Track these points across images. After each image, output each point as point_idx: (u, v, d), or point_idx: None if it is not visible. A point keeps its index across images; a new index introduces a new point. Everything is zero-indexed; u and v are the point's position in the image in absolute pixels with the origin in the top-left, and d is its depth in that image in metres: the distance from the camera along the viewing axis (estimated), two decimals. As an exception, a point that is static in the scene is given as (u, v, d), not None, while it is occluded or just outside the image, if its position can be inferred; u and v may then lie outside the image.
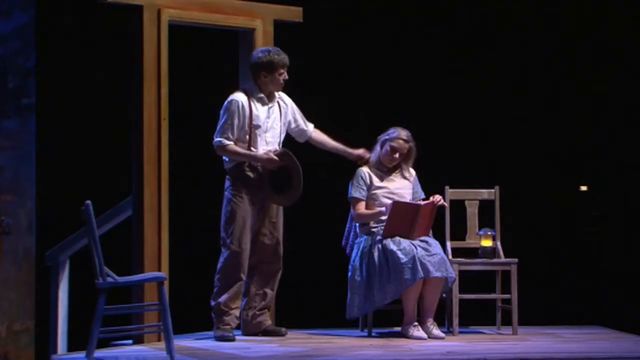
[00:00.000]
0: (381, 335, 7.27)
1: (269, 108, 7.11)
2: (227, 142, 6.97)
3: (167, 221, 7.04)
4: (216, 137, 7.00)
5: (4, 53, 6.10)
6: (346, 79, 8.73)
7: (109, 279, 5.99)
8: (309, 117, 7.36)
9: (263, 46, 7.42)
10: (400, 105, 8.58)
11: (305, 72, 8.58)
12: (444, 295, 7.32)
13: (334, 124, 8.65)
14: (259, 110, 7.06)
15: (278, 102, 7.18)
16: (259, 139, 7.04)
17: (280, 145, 7.17)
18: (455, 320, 7.29)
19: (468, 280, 7.42)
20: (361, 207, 7.34)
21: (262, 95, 7.09)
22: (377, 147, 7.40)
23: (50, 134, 7.57)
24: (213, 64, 8.30)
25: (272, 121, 7.12)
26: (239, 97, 7.03)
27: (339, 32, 8.80)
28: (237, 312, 7.05)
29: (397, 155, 7.33)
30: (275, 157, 6.98)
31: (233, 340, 6.92)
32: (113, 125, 8.13)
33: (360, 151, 7.38)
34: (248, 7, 7.48)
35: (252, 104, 7.03)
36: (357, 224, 7.39)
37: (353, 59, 8.79)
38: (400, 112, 8.10)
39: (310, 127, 7.32)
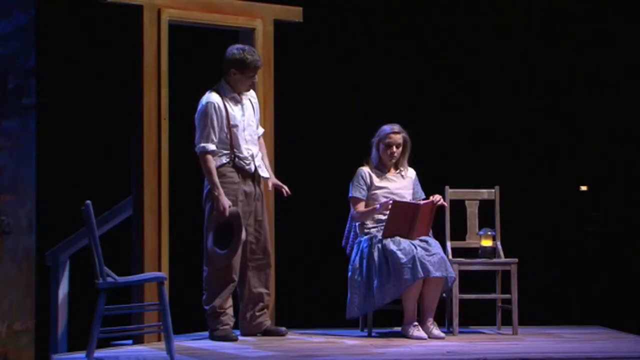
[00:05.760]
0: (381, 335, 7.27)
1: (242, 105, 7.07)
2: (211, 146, 6.90)
3: (167, 221, 7.04)
4: (199, 143, 6.91)
5: (4, 53, 6.10)
6: (345, 79, 8.73)
7: (109, 279, 5.99)
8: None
9: (263, 46, 7.42)
10: (399, 105, 8.58)
11: (304, 71, 8.60)
12: (444, 295, 7.32)
13: (332, 124, 8.67)
14: (234, 110, 7.01)
15: (249, 99, 7.14)
16: (239, 137, 7.00)
17: (259, 142, 7.13)
18: (455, 320, 7.29)
19: (468, 280, 7.42)
20: (361, 207, 7.34)
21: (234, 94, 7.04)
22: (373, 150, 7.41)
23: (50, 134, 7.57)
24: (213, 64, 8.30)
25: (247, 118, 7.07)
26: (213, 98, 6.96)
27: (338, 32, 8.79)
28: (231, 311, 7.04)
29: (394, 148, 7.34)
30: (227, 212, 6.80)
31: (236, 339, 6.92)
32: (113, 125, 8.13)
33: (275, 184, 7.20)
34: (248, 7, 7.48)
35: (226, 103, 6.98)
36: (357, 224, 7.39)
37: (352, 59, 8.79)
38: (400, 112, 8.10)
39: (260, 131, 7.24)
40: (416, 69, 8.82)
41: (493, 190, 7.67)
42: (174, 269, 7.08)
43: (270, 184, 7.19)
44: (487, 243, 7.43)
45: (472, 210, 7.66)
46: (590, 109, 8.93)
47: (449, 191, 7.61)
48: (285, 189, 7.15)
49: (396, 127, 7.36)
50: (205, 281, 7.00)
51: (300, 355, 6.28)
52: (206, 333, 7.08)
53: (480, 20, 8.89)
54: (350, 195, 7.38)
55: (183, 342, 6.85)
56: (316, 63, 8.66)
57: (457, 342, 6.92)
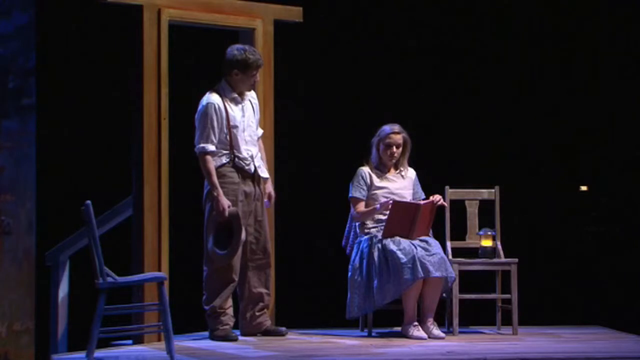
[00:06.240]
0: (381, 335, 7.27)
1: (242, 106, 7.06)
2: (210, 147, 6.88)
3: (167, 221, 7.03)
4: (199, 144, 6.90)
5: (4, 53, 6.11)
6: (344, 79, 8.73)
7: (109, 279, 5.99)
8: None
9: (263, 46, 7.42)
10: (399, 105, 8.58)
11: (304, 71, 8.60)
12: (444, 295, 7.32)
13: (332, 124, 8.68)
14: (234, 111, 6.99)
15: (249, 100, 7.13)
16: (238, 138, 6.99)
17: (258, 143, 7.13)
18: (455, 320, 7.29)
19: (468, 280, 7.42)
20: (361, 207, 7.34)
21: (234, 94, 7.03)
22: (373, 150, 7.40)
23: (50, 134, 7.57)
24: (213, 64, 8.30)
25: (247, 119, 7.05)
26: (214, 99, 6.95)
27: (338, 32, 8.80)
28: (231, 312, 7.04)
29: (394, 149, 7.34)
30: (227, 212, 6.80)
31: (236, 339, 6.92)
32: (113, 125, 8.13)
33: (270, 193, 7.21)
34: (248, 7, 7.48)
35: (226, 104, 6.97)
36: (357, 224, 7.39)
37: (351, 59, 8.79)
38: (400, 112, 8.09)
39: (259, 132, 7.22)
40: (416, 69, 8.82)
41: (493, 190, 7.67)
42: (174, 269, 7.08)
43: (267, 190, 7.16)
44: (487, 243, 7.43)
45: (472, 210, 7.66)
46: (590, 109, 8.93)
47: (449, 191, 7.61)
48: (271, 200, 7.15)
49: (396, 127, 7.36)
50: (205, 281, 7.00)
51: (300, 355, 6.28)
52: (206, 333, 7.08)
53: (480, 20, 8.89)
54: (350, 195, 7.38)
55: (183, 342, 6.85)
56: (316, 63, 8.66)
57: (457, 342, 6.92)
